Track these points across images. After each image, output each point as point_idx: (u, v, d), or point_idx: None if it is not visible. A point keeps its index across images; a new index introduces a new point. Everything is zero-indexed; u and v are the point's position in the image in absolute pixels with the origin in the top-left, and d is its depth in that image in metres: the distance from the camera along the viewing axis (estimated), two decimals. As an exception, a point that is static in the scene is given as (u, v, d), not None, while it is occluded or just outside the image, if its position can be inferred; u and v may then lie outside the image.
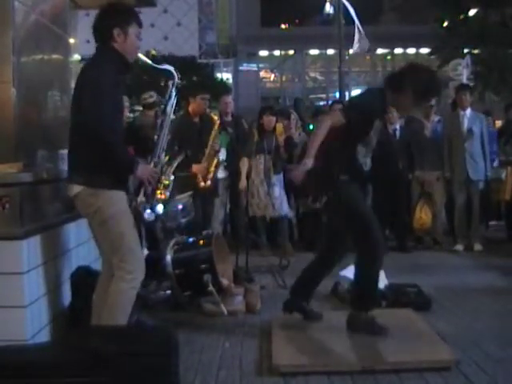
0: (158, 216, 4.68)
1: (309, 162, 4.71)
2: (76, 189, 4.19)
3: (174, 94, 4.71)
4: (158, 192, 4.67)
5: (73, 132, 4.28)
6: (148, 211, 4.53)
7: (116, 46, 4.28)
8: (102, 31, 4.31)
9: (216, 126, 7.63)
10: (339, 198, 4.95)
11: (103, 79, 4.10)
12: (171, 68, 4.81)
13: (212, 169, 7.51)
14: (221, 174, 9.05)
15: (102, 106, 4.01)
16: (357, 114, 4.84)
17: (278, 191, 8.87)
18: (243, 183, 8.61)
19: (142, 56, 4.65)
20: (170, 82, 4.73)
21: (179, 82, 4.76)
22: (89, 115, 4.01)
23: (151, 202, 4.55)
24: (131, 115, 9.90)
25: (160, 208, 4.69)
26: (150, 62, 4.86)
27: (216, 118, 7.90)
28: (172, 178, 5.09)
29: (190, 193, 6.28)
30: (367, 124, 4.93)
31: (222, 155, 9.03)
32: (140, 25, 4.41)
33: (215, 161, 7.59)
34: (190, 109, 7.75)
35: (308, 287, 5.42)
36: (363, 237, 4.90)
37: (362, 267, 4.99)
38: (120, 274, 4.21)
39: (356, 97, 5.16)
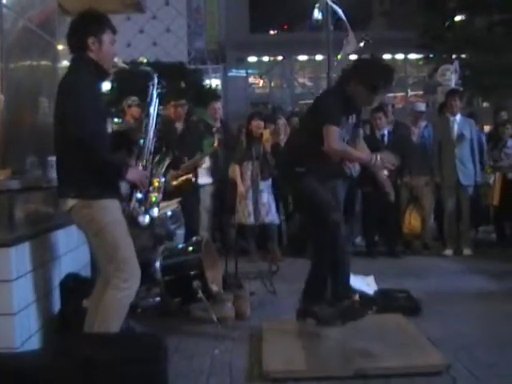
0: (153, 220, 4.67)
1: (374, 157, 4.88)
2: (70, 202, 4.17)
3: (155, 95, 4.70)
4: (152, 195, 4.67)
5: (57, 144, 4.26)
6: (142, 216, 4.51)
7: (91, 55, 4.26)
8: (77, 41, 4.29)
9: (213, 148, 7.59)
10: (295, 189, 5.00)
11: (82, 89, 4.09)
12: (150, 69, 4.80)
13: (178, 181, 7.40)
14: (204, 180, 9.02)
15: (83, 115, 3.99)
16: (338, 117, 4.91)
17: (266, 197, 8.88)
18: (241, 190, 8.63)
19: (118, 61, 4.63)
20: (150, 84, 4.71)
21: (160, 84, 4.74)
22: (71, 126, 3.99)
23: (145, 205, 4.54)
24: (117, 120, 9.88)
25: (155, 211, 4.68)
26: (126, 66, 4.85)
27: (215, 141, 7.85)
28: (163, 179, 5.08)
29: (178, 199, 6.27)
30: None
31: (207, 161, 9.03)
32: (114, 31, 4.39)
33: (188, 176, 7.49)
34: (172, 115, 7.79)
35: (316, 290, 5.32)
36: (322, 221, 4.94)
37: (319, 256, 5.07)
38: (115, 282, 4.19)
39: (321, 105, 5.15)
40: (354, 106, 5.12)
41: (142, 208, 4.53)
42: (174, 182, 7.30)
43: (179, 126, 7.89)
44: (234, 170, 8.84)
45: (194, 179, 7.53)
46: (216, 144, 7.72)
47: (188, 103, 8.58)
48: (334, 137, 4.80)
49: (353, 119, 5.13)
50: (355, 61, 5.38)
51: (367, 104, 5.23)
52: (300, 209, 5.26)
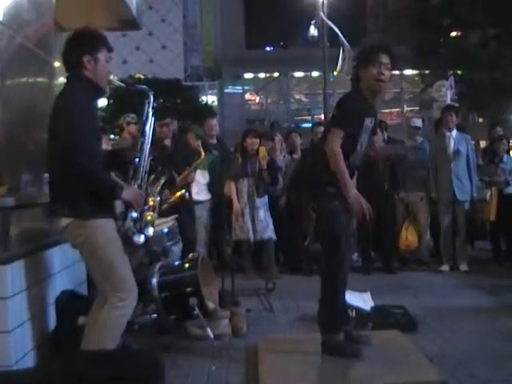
0: (148, 239, 4.65)
1: (355, 193, 4.68)
2: (64, 221, 4.18)
3: (150, 114, 4.70)
4: (148, 214, 4.66)
5: (51, 163, 4.27)
6: (136, 235, 4.50)
7: (87, 74, 4.27)
8: (72, 60, 4.30)
9: (200, 159, 7.56)
10: (322, 210, 4.93)
11: (77, 108, 4.09)
12: (145, 88, 4.81)
13: (173, 198, 7.37)
14: (202, 196, 9.03)
15: (78, 134, 3.99)
16: (351, 122, 4.80)
17: (263, 214, 8.87)
18: (237, 207, 8.64)
19: (114, 80, 4.64)
20: (146, 102, 4.73)
21: (155, 102, 4.75)
22: (66, 145, 4.00)
23: (140, 225, 4.53)
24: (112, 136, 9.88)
25: (150, 231, 4.66)
26: (123, 85, 4.86)
27: (202, 152, 7.80)
28: (158, 198, 5.07)
29: (174, 216, 6.25)
30: (359, 129, 4.89)
31: (204, 178, 9.03)
32: (110, 49, 4.41)
33: (181, 192, 7.46)
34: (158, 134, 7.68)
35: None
36: (331, 253, 4.84)
37: (326, 286, 4.91)
38: (112, 300, 4.18)
39: (339, 108, 5.07)
40: (368, 107, 5.01)
41: (137, 227, 4.53)
42: (172, 199, 7.27)
43: (167, 143, 7.87)
44: (230, 187, 8.85)
45: (187, 194, 7.49)
46: (202, 156, 7.66)
47: (181, 120, 8.53)
48: (338, 140, 4.71)
49: (372, 123, 5.04)
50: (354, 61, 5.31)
51: (380, 81, 4.96)
52: (319, 227, 5.15)
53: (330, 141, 4.75)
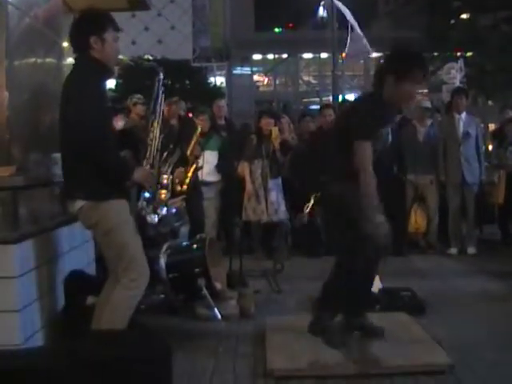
0: (161, 218, 4.66)
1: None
2: (78, 204, 4.19)
3: (161, 92, 4.69)
4: (161, 192, 4.67)
5: (63, 145, 4.27)
6: (151, 215, 4.51)
7: (94, 54, 4.26)
8: (79, 41, 4.30)
9: (198, 132, 7.56)
10: (324, 199, 4.80)
11: (87, 89, 4.10)
12: (155, 64, 4.80)
13: (190, 174, 7.40)
14: (212, 177, 9.04)
15: (88, 116, 4.00)
16: (375, 131, 4.59)
17: (275, 196, 8.85)
18: (249, 187, 8.62)
19: (123, 58, 4.63)
20: (156, 79, 4.71)
21: (166, 80, 4.73)
22: (77, 127, 4.00)
23: (154, 204, 4.54)
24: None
25: (164, 210, 4.67)
26: (131, 63, 4.85)
27: (198, 124, 7.81)
28: (170, 177, 5.08)
29: (182, 196, 6.25)
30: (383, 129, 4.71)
31: (214, 158, 9.03)
32: (116, 29, 4.39)
33: (194, 166, 7.49)
34: (166, 113, 7.68)
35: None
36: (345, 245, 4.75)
37: (342, 269, 4.80)
38: (123, 281, 4.20)
39: (361, 115, 4.80)
40: (392, 114, 4.85)
41: (151, 207, 4.53)
42: (187, 180, 7.30)
43: (174, 122, 7.88)
44: (244, 168, 8.84)
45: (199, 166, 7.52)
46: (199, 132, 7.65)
47: (189, 102, 8.52)
48: (367, 154, 4.46)
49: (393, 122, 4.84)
50: (384, 59, 4.95)
51: (411, 99, 4.78)
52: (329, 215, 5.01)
53: (360, 155, 4.45)
